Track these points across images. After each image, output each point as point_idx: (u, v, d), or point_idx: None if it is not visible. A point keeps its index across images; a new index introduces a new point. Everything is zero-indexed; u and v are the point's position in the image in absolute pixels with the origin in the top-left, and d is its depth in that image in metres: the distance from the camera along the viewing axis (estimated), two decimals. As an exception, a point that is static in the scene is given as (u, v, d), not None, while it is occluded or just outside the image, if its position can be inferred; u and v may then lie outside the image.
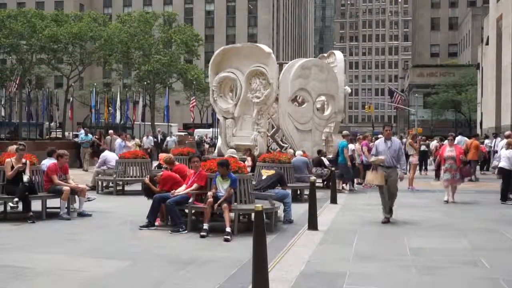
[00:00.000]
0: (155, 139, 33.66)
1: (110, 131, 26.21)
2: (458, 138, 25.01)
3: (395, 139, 11.00)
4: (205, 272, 6.69)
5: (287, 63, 23.84)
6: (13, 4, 77.69)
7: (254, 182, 10.96)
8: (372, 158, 10.71)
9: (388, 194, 10.59)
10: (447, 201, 13.97)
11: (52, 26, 50.81)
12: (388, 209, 10.65)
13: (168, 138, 32.26)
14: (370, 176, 10.70)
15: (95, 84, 49.56)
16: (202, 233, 8.77)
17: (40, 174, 11.05)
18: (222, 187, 9.26)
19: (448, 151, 14.43)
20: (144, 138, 29.06)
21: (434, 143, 26.57)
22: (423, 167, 25.11)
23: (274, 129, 24.48)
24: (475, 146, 21.56)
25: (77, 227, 9.83)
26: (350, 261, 7.29)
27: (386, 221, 10.54)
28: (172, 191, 9.68)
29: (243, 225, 9.85)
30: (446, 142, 15.69)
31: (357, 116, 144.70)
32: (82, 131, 24.94)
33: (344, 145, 16.99)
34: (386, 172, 10.45)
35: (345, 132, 19.86)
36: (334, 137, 23.25)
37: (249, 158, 15.55)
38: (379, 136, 11.52)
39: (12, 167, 10.56)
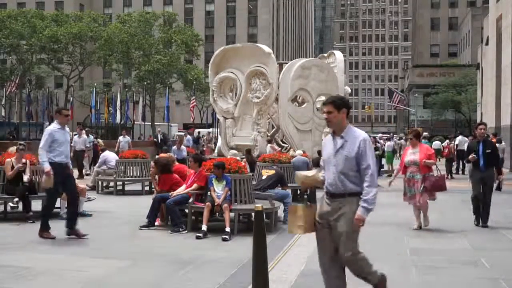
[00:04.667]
0: (155, 139, 33.53)
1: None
2: (459, 138, 24.88)
3: (358, 131, 4.87)
4: (205, 272, 6.69)
5: (287, 63, 23.84)
6: (13, 4, 77.67)
7: (254, 182, 10.96)
8: (299, 175, 5.38)
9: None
10: (417, 228, 9.74)
11: (52, 26, 50.89)
12: None
13: (120, 138, 23.59)
14: (293, 218, 5.15)
15: (95, 84, 49.59)
16: (197, 234, 8.75)
17: (40, 174, 11.04)
18: (218, 188, 9.32)
19: (409, 154, 9.71)
20: (76, 137, 20.53)
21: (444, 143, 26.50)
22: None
23: (274, 129, 24.49)
24: None
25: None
26: (350, 261, 7.26)
27: None
28: (171, 193, 9.69)
29: (243, 225, 9.85)
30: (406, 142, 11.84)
31: (357, 116, 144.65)
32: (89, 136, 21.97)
33: None
34: (327, 206, 5.10)
35: None
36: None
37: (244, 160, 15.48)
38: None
39: (12, 167, 10.57)
